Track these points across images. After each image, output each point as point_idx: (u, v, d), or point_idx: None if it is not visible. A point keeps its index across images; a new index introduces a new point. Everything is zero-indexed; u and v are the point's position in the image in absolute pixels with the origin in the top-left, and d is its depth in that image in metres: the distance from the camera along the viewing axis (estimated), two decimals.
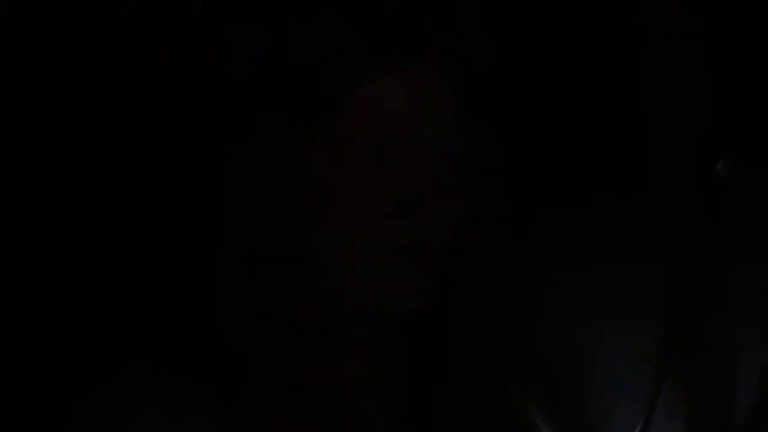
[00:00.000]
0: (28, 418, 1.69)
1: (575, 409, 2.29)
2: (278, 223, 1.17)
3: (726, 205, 2.18)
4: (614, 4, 2.21)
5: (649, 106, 2.21)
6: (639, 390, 2.21)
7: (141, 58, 1.81)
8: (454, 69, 1.17)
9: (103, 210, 1.80)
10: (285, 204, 1.17)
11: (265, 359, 1.16)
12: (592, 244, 2.25)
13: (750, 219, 2.18)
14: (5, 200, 1.77)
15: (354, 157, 1.14)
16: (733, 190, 2.16)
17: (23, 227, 1.77)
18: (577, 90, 2.24)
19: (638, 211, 2.22)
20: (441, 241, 1.16)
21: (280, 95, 1.18)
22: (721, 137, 2.18)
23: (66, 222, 1.79)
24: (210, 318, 1.18)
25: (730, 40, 2.17)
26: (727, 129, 2.18)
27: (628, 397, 2.23)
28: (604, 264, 2.25)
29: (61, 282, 1.77)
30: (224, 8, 1.77)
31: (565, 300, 2.29)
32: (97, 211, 1.80)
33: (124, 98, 1.82)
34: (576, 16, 2.24)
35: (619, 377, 2.26)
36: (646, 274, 2.23)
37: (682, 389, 2.23)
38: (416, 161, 1.14)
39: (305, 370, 1.16)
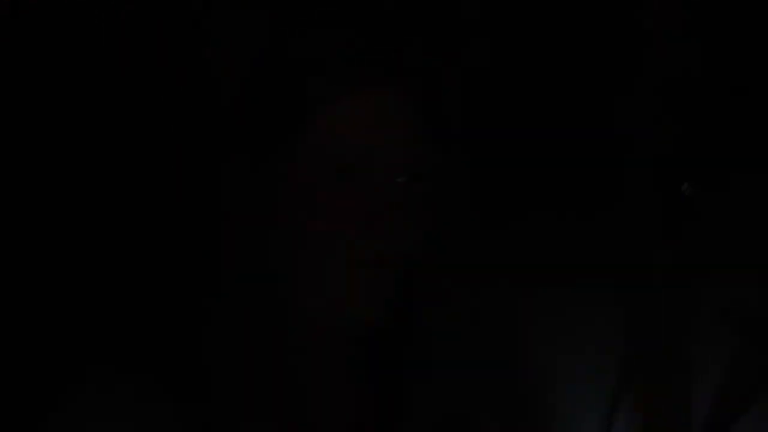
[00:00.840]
0: None
1: (535, 426, 2.26)
2: (246, 234, 1.19)
3: (689, 225, 2.18)
4: (583, 25, 2.21)
5: (616, 127, 2.21)
6: (598, 408, 2.21)
7: (127, 66, 1.81)
8: (418, 87, 1.19)
9: (81, 214, 1.80)
10: (253, 217, 1.19)
11: (234, 368, 1.17)
12: (557, 262, 2.24)
13: (712, 239, 2.18)
14: None
15: (319, 173, 1.16)
16: (696, 211, 2.17)
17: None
18: (544, 108, 2.23)
19: (602, 230, 2.22)
20: (403, 256, 1.18)
21: (253, 110, 1.20)
22: (686, 158, 2.17)
23: (43, 224, 1.78)
24: (182, 327, 1.19)
25: (695, 66, 2.17)
26: (692, 150, 2.17)
27: (587, 414, 2.22)
28: (568, 282, 2.23)
29: (37, 283, 1.77)
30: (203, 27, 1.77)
31: (527, 317, 2.26)
32: (75, 215, 1.80)
33: (110, 106, 1.82)
34: (546, 38, 2.22)
35: (579, 395, 2.24)
36: (609, 293, 2.23)
37: (642, 407, 2.23)
38: (380, 177, 1.16)
39: (272, 380, 1.19)
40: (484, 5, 2.19)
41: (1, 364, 1.71)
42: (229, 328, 1.18)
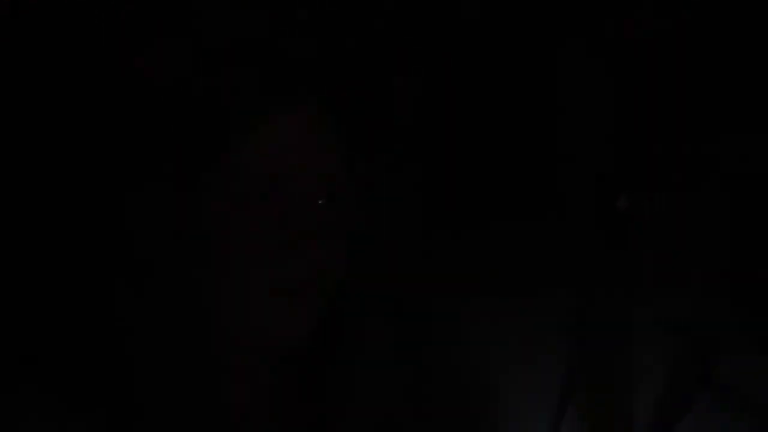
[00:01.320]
0: None
1: None
2: (170, 258, 1.19)
3: (626, 239, 2.25)
4: (524, 46, 2.27)
5: (557, 146, 2.29)
6: (542, 419, 2.27)
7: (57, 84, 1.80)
8: (341, 113, 1.20)
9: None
10: (176, 241, 1.19)
11: (160, 388, 1.18)
12: (500, 274, 2.30)
13: (648, 252, 2.25)
14: None
15: (242, 198, 1.16)
16: (632, 224, 2.24)
17: None
18: (487, 120, 2.28)
19: (544, 242, 2.28)
20: (327, 278, 1.18)
21: (172, 136, 1.19)
22: (622, 174, 2.25)
23: None
24: (107, 346, 1.19)
25: (631, 88, 2.24)
26: (628, 166, 2.25)
27: (531, 426, 2.28)
28: (508, 294, 2.29)
29: None
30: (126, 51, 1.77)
31: (467, 330, 2.30)
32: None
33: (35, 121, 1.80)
34: (487, 57, 2.28)
35: (522, 408, 2.27)
36: (549, 304, 2.28)
37: (584, 417, 2.29)
38: (303, 202, 1.17)
39: (198, 400, 1.19)
40: (415, 29, 2.25)
41: None
42: (153, 350, 1.18)
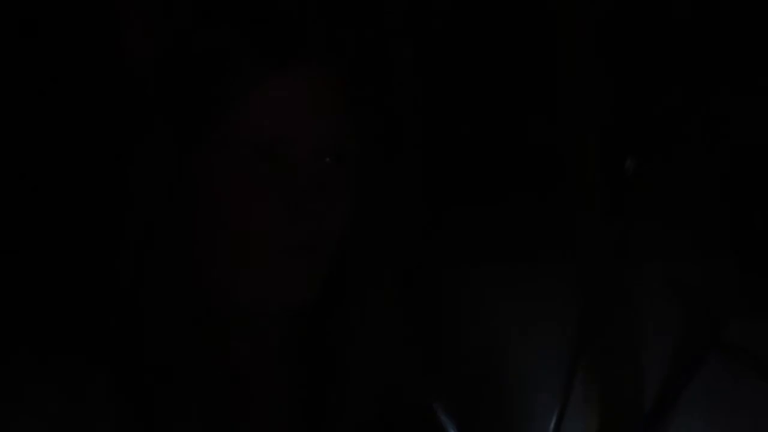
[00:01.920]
0: None
1: (485, 405, 2.31)
2: (173, 221, 1.18)
3: (631, 203, 2.24)
4: (522, 10, 2.27)
5: (558, 108, 2.28)
6: (552, 384, 2.26)
7: (37, 55, 1.78)
8: (345, 69, 1.19)
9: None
10: (178, 203, 1.18)
11: (165, 350, 1.17)
12: (502, 241, 2.28)
13: (654, 216, 2.23)
14: None
15: (246, 157, 1.16)
16: (638, 188, 2.22)
17: None
18: (487, 88, 2.27)
19: (548, 208, 2.27)
20: (332, 239, 1.18)
21: (172, 96, 1.19)
22: (627, 137, 2.23)
23: None
24: (111, 308, 1.19)
25: (632, 48, 2.24)
26: (633, 129, 2.24)
27: (541, 391, 2.28)
28: (514, 261, 2.29)
29: None
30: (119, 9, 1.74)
31: (475, 296, 2.31)
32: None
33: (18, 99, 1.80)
34: (484, 17, 2.27)
35: (532, 372, 2.29)
36: (557, 270, 2.27)
37: (594, 381, 2.29)
38: (308, 161, 1.16)
39: (203, 361, 1.18)
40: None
41: None
42: (156, 311, 1.18)
